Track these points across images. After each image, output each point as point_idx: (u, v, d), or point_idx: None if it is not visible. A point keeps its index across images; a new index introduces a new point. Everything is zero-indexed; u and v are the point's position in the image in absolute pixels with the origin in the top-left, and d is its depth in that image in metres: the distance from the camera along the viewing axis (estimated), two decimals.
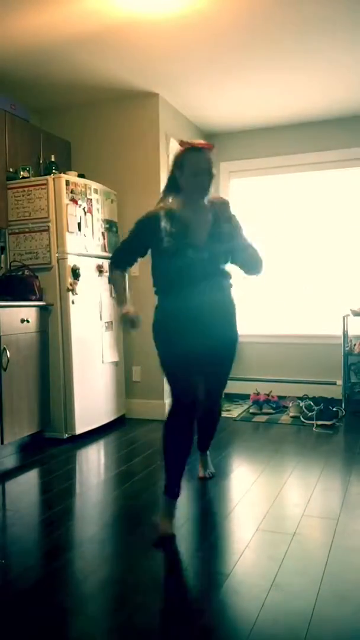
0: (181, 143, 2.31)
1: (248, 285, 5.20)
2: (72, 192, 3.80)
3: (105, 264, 3.95)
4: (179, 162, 2.31)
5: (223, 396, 2.93)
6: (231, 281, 2.48)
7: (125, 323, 2.45)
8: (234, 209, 2.42)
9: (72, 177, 3.89)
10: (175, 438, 2.37)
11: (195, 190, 2.33)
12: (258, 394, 4.72)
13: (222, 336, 2.43)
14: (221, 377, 2.63)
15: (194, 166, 2.27)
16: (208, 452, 3.02)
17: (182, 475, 2.40)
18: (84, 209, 3.90)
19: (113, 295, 3.02)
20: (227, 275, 2.42)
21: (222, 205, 2.41)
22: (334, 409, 4.27)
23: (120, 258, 2.53)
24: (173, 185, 2.38)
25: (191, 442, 2.40)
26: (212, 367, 2.51)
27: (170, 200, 2.41)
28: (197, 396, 2.38)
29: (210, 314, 2.35)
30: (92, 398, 3.95)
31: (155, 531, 2.30)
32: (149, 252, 2.42)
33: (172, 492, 2.36)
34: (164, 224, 2.31)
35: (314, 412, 4.22)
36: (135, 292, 4.26)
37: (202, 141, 2.37)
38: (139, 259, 2.50)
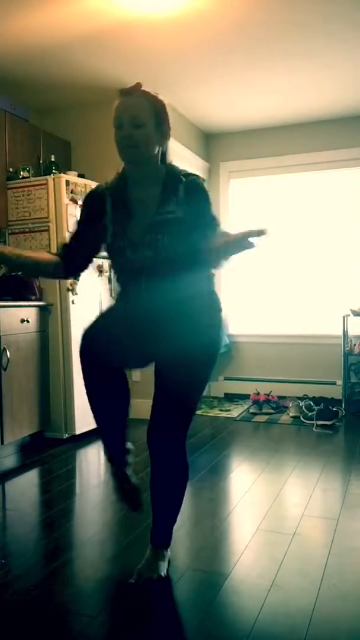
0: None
1: (247, 286, 5.25)
2: (72, 192, 3.79)
3: (106, 263, 3.95)
4: None
5: (188, 431, 2.05)
6: (210, 273, 1.84)
7: None
8: (208, 190, 1.78)
9: (72, 177, 3.89)
10: (91, 383, 1.84)
11: (121, 151, 1.74)
12: (258, 394, 4.72)
13: (176, 347, 1.76)
14: (174, 395, 1.92)
15: (115, 114, 1.72)
16: (166, 553, 1.95)
17: (122, 435, 1.96)
18: None
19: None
20: (192, 266, 1.72)
21: (178, 178, 1.72)
22: (334, 409, 4.27)
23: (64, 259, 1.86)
24: None
25: (115, 389, 1.95)
26: (163, 381, 1.96)
27: (121, 169, 1.83)
28: (108, 360, 1.81)
29: (157, 324, 1.74)
30: None
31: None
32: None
33: (110, 458, 1.94)
34: (108, 208, 1.78)
35: (314, 412, 4.22)
36: None
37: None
38: (91, 263, 1.90)
